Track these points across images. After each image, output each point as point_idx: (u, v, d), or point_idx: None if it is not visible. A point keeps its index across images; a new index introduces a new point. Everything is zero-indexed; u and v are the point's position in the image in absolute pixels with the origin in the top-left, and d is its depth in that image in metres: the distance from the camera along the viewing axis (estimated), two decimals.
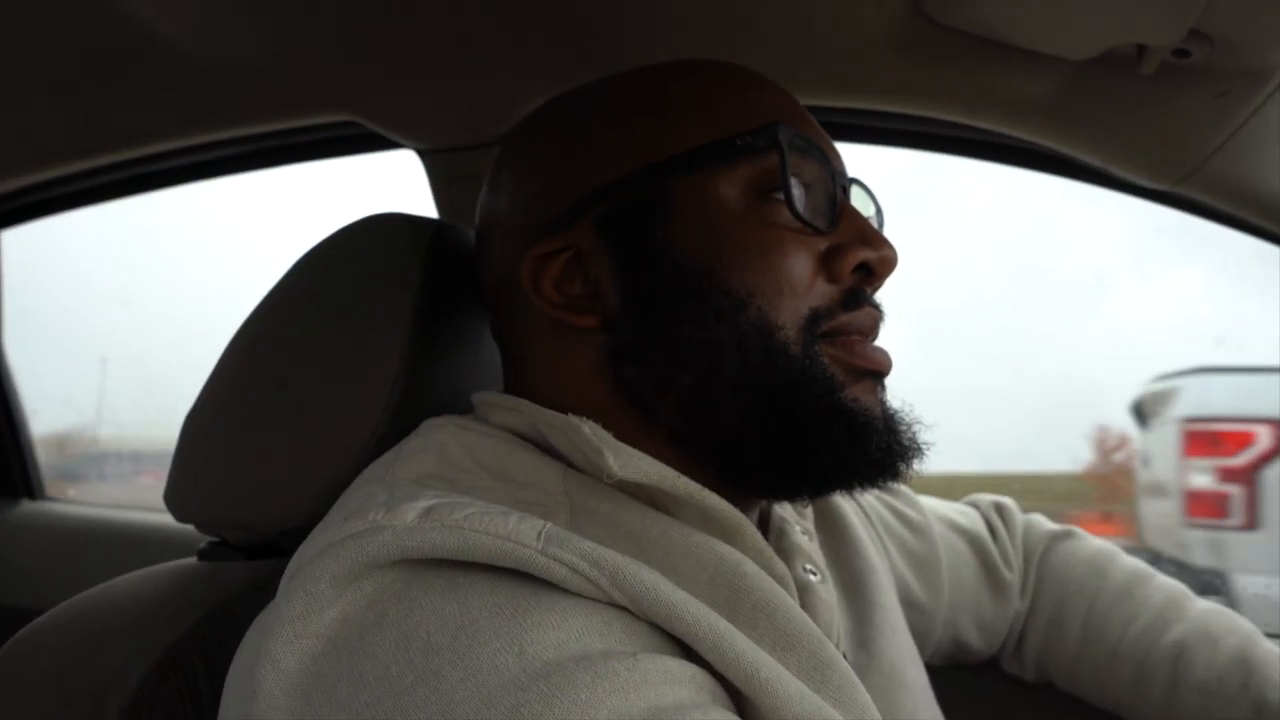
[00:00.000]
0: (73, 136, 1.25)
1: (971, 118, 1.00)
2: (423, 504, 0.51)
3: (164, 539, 1.49)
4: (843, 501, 0.82)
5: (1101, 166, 0.98)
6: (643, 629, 0.50)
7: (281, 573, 0.67)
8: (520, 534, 0.49)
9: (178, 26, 0.99)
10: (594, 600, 0.49)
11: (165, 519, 0.78)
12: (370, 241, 0.75)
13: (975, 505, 1.04)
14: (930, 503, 1.00)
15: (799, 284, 0.62)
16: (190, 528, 0.76)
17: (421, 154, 1.20)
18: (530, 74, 1.06)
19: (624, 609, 0.50)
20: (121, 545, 1.54)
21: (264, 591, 0.68)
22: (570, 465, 0.61)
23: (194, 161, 1.31)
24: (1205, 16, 0.74)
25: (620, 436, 0.60)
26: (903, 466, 0.63)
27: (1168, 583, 0.95)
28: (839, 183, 0.66)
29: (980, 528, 1.00)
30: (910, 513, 0.95)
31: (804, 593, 0.65)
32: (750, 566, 0.58)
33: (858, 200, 0.70)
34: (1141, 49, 0.82)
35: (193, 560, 0.76)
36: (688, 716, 0.45)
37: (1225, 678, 0.85)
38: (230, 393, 0.74)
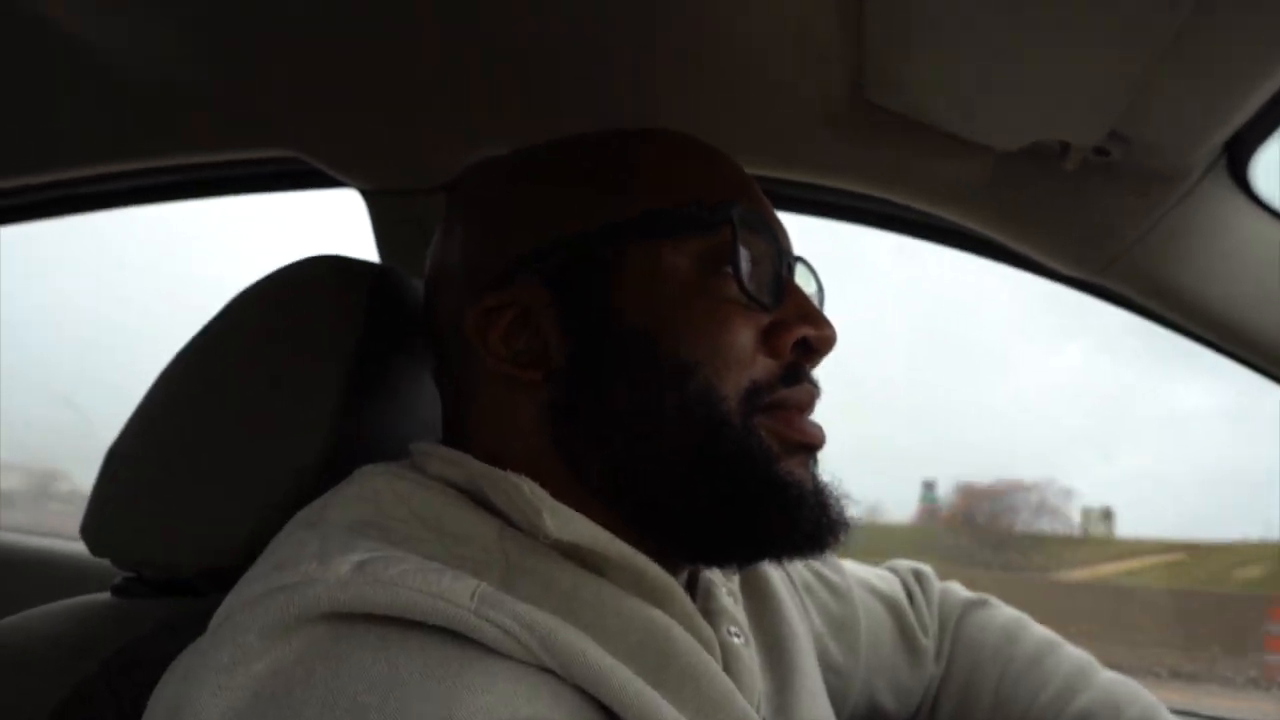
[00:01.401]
0: (6, 154, 1.23)
1: (904, 197, 1.03)
2: (356, 557, 0.51)
3: (77, 569, 1.44)
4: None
5: (1025, 252, 1.02)
6: (569, 694, 0.50)
7: (197, 614, 0.66)
8: (454, 593, 0.49)
9: (116, 48, 0.97)
10: (523, 663, 0.50)
11: (78, 548, 0.76)
12: (310, 283, 0.75)
13: (894, 571, 1.06)
14: (851, 567, 1.01)
15: (743, 357, 0.63)
16: (105, 561, 0.75)
17: (365, 195, 1.20)
18: (480, 125, 1.07)
19: (553, 673, 0.50)
20: (29, 574, 1.49)
21: (177, 632, 0.66)
22: (507, 522, 0.61)
23: (130, 186, 1.29)
24: (1124, 120, 0.79)
25: (554, 492, 0.60)
26: (830, 540, 0.64)
27: (1076, 653, 0.97)
28: (785, 260, 0.68)
29: (898, 593, 1.01)
30: (832, 576, 0.96)
31: (728, 656, 0.65)
32: (678, 631, 0.58)
33: (800, 278, 0.72)
34: (1065, 145, 0.86)
35: (105, 596, 0.74)
36: None
37: None
38: (157, 428, 0.73)
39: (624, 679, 0.50)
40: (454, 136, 1.10)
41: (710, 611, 0.68)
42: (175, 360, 0.76)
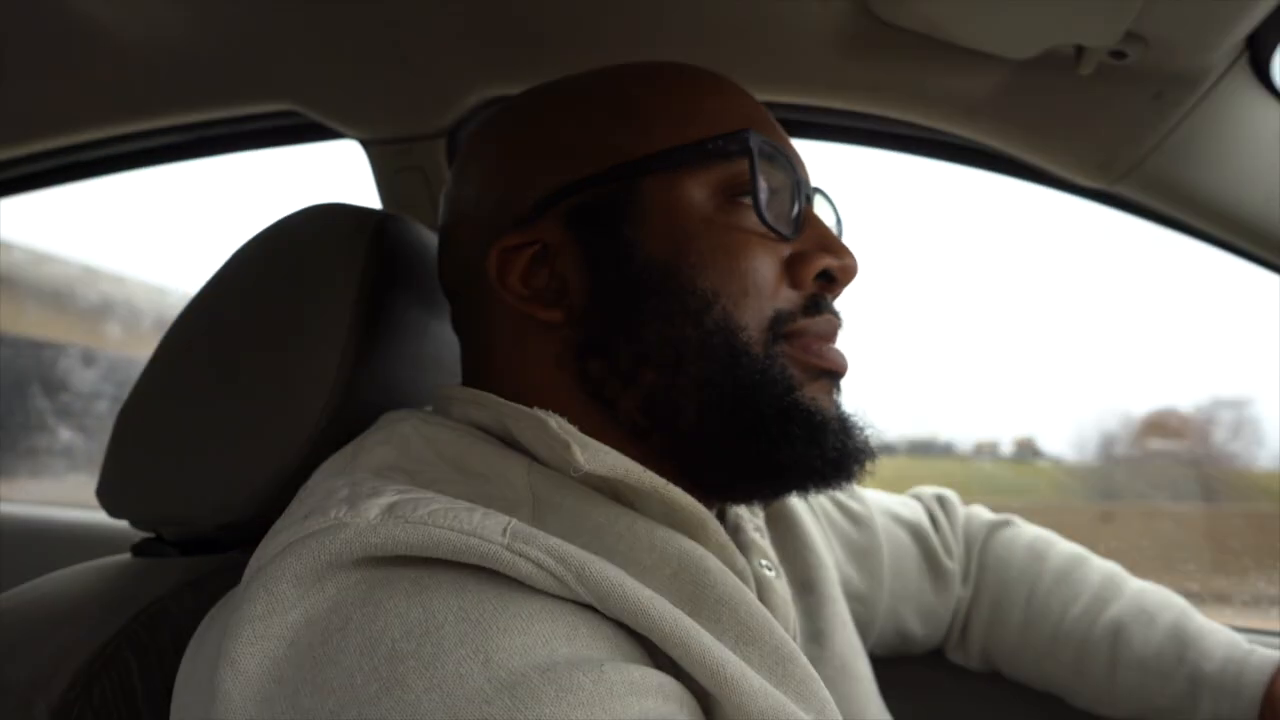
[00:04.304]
0: (4, 123, 1.21)
1: (914, 115, 1.00)
2: (386, 500, 0.51)
3: (97, 538, 1.45)
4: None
5: (1040, 165, 1.00)
6: (608, 628, 0.50)
7: (219, 569, 0.66)
8: (485, 530, 0.49)
9: (114, 12, 0.96)
10: (560, 599, 0.49)
11: (97, 516, 0.76)
12: (312, 232, 0.74)
13: (918, 497, 1.06)
14: (873, 495, 1.01)
15: (764, 287, 0.63)
16: (124, 525, 0.74)
17: (365, 145, 1.18)
18: (477, 68, 1.05)
19: (590, 607, 0.50)
20: (50, 545, 1.50)
21: (200, 588, 0.67)
22: (534, 459, 0.60)
23: (131, 150, 1.28)
24: (1140, 20, 0.76)
25: (581, 429, 0.60)
26: (856, 468, 0.64)
27: (1104, 564, 0.97)
28: (803, 191, 0.67)
29: (922, 518, 1.01)
30: (853, 505, 0.96)
31: (761, 587, 0.65)
32: (713, 562, 0.58)
33: (819, 209, 0.71)
34: (1080, 50, 0.83)
35: (126, 557, 0.74)
36: None
37: (1162, 653, 0.87)
38: (167, 385, 0.72)
39: (662, 609, 0.49)
40: (452, 80, 1.08)
41: (740, 545, 0.68)
42: (181, 317, 0.75)
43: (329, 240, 0.73)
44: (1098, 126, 0.92)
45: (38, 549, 1.49)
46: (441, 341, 0.78)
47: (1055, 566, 0.97)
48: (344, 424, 0.67)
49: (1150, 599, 0.92)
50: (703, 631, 0.50)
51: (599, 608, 0.49)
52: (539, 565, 0.48)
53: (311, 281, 0.71)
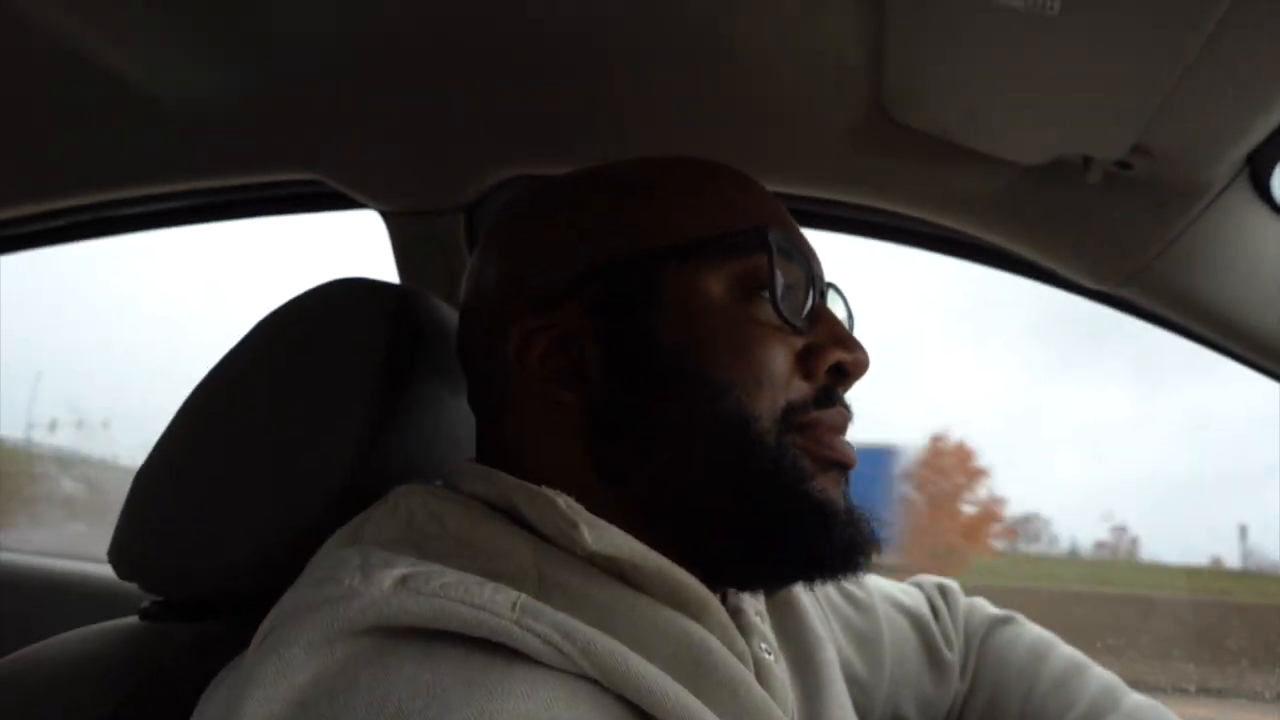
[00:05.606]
0: (36, 177, 1.24)
1: (926, 212, 1.03)
2: (399, 571, 0.52)
3: (106, 591, 1.44)
4: None
5: (1047, 266, 1.02)
6: (610, 702, 0.51)
7: (225, 636, 0.66)
8: (496, 604, 0.50)
9: (147, 75, 0.99)
10: (564, 672, 0.50)
11: (105, 570, 0.76)
12: (334, 306, 0.75)
13: (919, 586, 1.05)
14: (875, 581, 1.01)
15: (778, 378, 0.64)
16: (132, 585, 0.75)
17: (384, 216, 1.20)
18: (496, 148, 1.08)
19: (594, 682, 0.51)
20: (58, 598, 1.49)
21: (206, 654, 0.67)
22: (540, 537, 0.61)
23: (157, 210, 1.30)
24: (1147, 134, 0.78)
25: (589, 510, 0.60)
26: (863, 559, 0.65)
27: (1103, 674, 0.96)
28: (818, 285, 0.69)
29: (923, 608, 1.01)
30: (855, 590, 0.95)
31: (760, 670, 0.65)
32: (715, 643, 0.59)
33: (831, 303, 0.72)
34: (1088, 159, 0.86)
35: (133, 620, 0.75)
36: None
37: None
38: (183, 452, 0.73)
39: (665, 685, 0.51)
40: (471, 159, 1.11)
41: (740, 627, 0.68)
42: (201, 384, 0.76)
43: (350, 314, 0.74)
44: (1104, 232, 0.95)
45: (53, 601, 1.49)
46: (457, 416, 0.79)
47: (1054, 671, 0.96)
48: (357, 496, 0.67)
49: (1146, 715, 0.90)
50: (706, 710, 0.51)
51: (603, 682, 0.51)
52: (546, 640, 0.50)
53: (331, 355, 0.72)
